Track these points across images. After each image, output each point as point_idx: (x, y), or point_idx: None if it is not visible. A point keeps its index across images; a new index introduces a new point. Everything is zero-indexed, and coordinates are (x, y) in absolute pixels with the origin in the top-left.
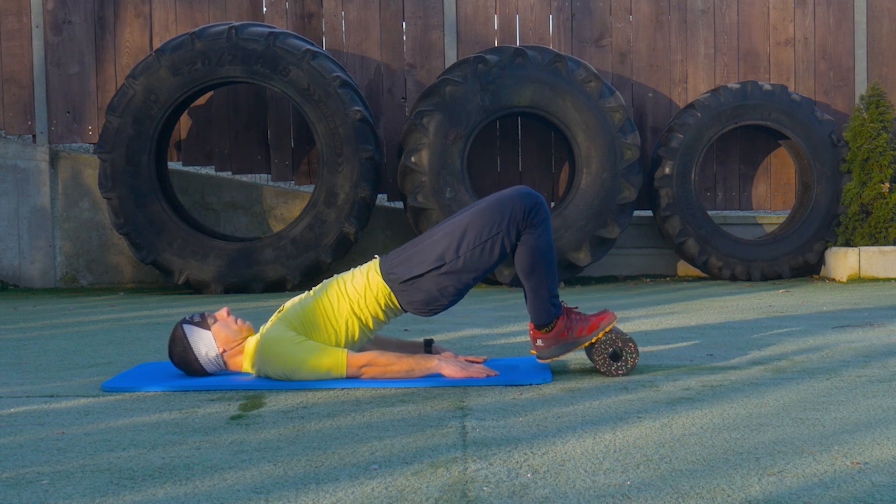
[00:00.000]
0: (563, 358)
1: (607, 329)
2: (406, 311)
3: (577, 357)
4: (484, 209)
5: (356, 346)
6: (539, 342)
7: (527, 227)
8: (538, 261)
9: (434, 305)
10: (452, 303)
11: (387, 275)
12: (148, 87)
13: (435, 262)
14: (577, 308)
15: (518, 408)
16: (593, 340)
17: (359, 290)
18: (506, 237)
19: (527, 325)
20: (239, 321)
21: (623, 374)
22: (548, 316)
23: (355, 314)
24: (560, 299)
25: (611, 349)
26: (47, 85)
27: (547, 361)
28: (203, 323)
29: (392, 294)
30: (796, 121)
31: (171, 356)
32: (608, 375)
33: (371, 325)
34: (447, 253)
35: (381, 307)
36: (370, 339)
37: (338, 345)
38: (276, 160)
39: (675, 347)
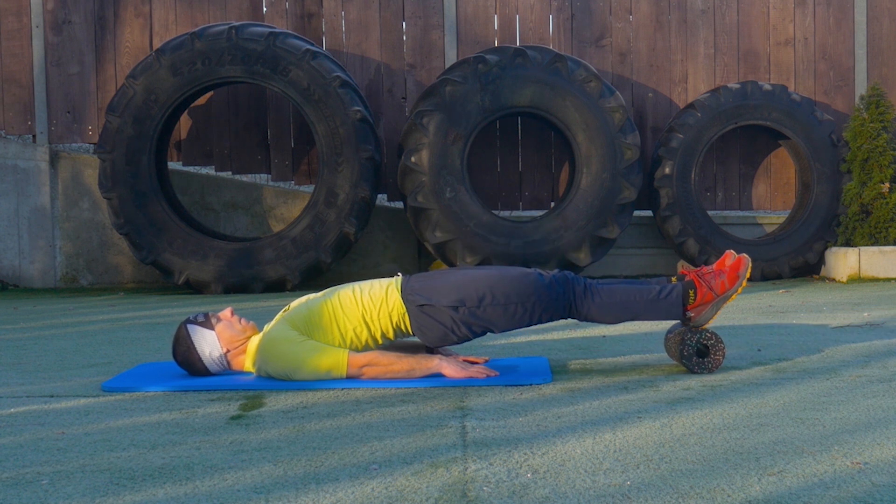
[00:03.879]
0: (563, 358)
1: (747, 274)
2: (414, 336)
3: (578, 357)
4: (520, 276)
5: (359, 352)
6: (690, 314)
7: (570, 311)
8: (614, 312)
9: (443, 339)
10: (460, 342)
11: (406, 294)
12: (148, 87)
13: (455, 301)
14: (701, 268)
15: (518, 408)
16: (740, 290)
17: (374, 302)
18: (530, 311)
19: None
20: (243, 321)
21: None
22: (675, 306)
23: (366, 323)
24: (677, 274)
25: (701, 344)
26: (47, 85)
27: (706, 326)
28: (207, 323)
29: (406, 315)
30: (796, 121)
31: (174, 356)
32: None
33: (379, 339)
34: (469, 298)
35: (391, 324)
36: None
37: (341, 347)
38: (276, 160)
39: None
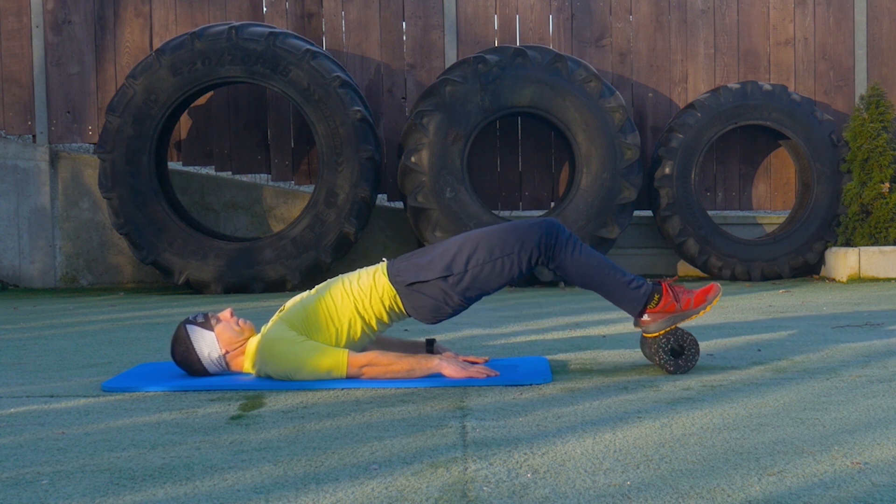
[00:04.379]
0: (563, 358)
1: (714, 302)
2: (409, 316)
3: (578, 357)
4: (500, 230)
5: (357, 346)
6: (645, 317)
7: (548, 255)
8: (586, 273)
9: (437, 313)
10: (456, 313)
11: (393, 277)
12: (148, 87)
13: (442, 271)
14: (674, 279)
15: (518, 408)
16: (701, 314)
17: (364, 290)
18: (517, 260)
19: (528, 326)
20: (241, 322)
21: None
22: (638, 301)
23: (359, 313)
24: (657, 278)
25: (673, 344)
26: (47, 85)
27: (653, 335)
28: (206, 323)
29: (397, 297)
30: (796, 121)
31: (173, 356)
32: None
33: (374, 325)
34: (455, 264)
35: (385, 309)
36: (372, 340)
37: (339, 344)
38: (276, 160)
39: None
